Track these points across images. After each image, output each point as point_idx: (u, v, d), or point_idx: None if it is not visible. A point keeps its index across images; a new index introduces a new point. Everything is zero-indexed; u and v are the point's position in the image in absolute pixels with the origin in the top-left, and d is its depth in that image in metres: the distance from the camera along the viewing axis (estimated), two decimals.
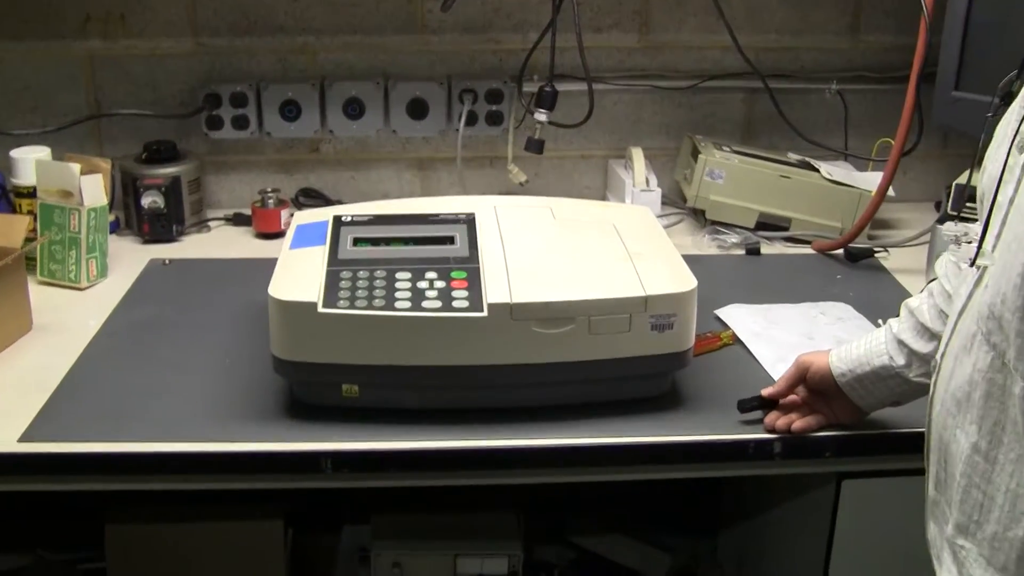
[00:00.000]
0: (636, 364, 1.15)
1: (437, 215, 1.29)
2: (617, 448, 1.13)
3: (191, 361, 1.29)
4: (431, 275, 1.16)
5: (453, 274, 1.16)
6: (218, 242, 1.70)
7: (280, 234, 1.68)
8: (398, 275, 1.16)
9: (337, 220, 1.28)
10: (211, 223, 1.76)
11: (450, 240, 1.24)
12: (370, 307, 1.11)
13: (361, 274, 1.16)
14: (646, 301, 1.13)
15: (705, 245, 1.70)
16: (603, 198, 1.87)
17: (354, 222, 1.28)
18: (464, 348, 1.12)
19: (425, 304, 1.12)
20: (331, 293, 1.12)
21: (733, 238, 1.69)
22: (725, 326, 1.40)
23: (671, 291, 1.14)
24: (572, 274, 1.17)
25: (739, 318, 1.41)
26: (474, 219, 1.27)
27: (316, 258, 1.20)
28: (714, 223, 1.73)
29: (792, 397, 1.16)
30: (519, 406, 1.17)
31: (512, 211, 1.32)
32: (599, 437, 1.14)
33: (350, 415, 1.15)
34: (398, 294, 1.13)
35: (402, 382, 1.14)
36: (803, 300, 1.47)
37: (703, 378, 1.26)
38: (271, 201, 1.71)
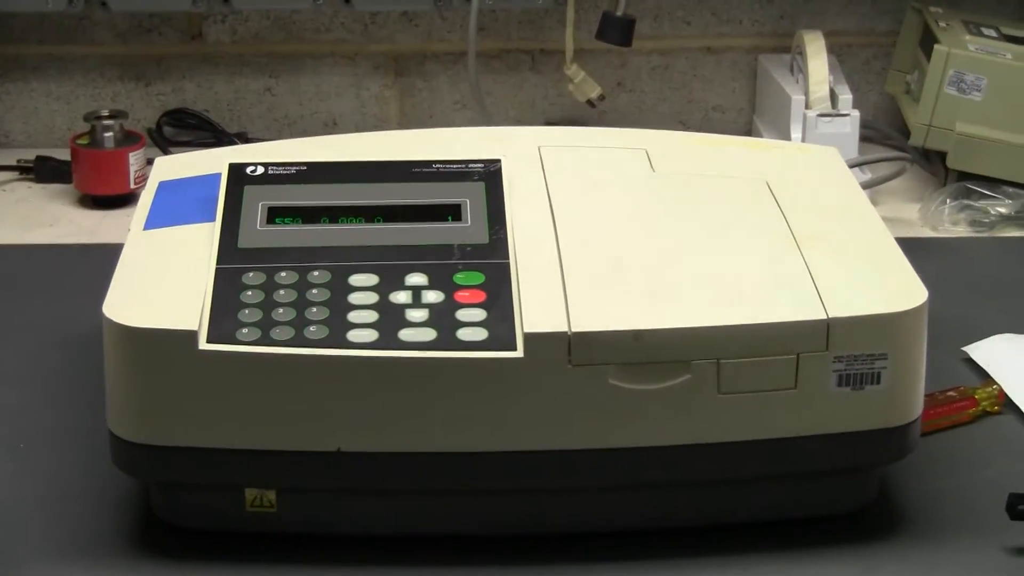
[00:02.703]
0: (809, 452, 1.13)
1: (429, 164, 1.27)
2: None
3: None
4: (416, 279, 1.15)
5: (459, 277, 1.15)
6: (3, 213, 1.73)
7: (127, 198, 1.73)
8: (354, 279, 1.14)
9: (237, 173, 1.26)
10: None
11: (453, 213, 1.22)
12: (300, 341, 1.09)
13: (282, 278, 1.14)
14: (828, 330, 1.11)
15: (945, 220, 1.70)
16: (747, 130, 1.87)
17: (269, 177, 1.26)
18: (480, 420, 1.10)
19: (404, 335, 1.10)
20: (224, 314, 1.10)
21: (1000, 206, 1.71)
22: (985, 377, 1.38)
23: (878, 310, 1.12)
24: (685, 279, 1.15)
25: (1012, 363, 1.40)
26: (499, 172, 1.26)
27: (196, 247, 1.19)
28: (964, 177, 1.74)
29: None
30: (584, 532, 1.15)
31: (571, 157, 1.31)
32: None
33: (261, 548, 1.13)
34: (353, 316, 1.11)
35: (360, 485, 1.12)
36: None
37: (940, 478, 1.24)
38: (110, 135, 1.73)
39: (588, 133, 1.41)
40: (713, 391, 1.10)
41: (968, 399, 1.34)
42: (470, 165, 1.27)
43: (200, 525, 1.15)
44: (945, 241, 1.64)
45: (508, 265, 1.15)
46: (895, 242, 1.22)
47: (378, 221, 1.22)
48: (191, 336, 1.09)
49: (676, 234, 1.21)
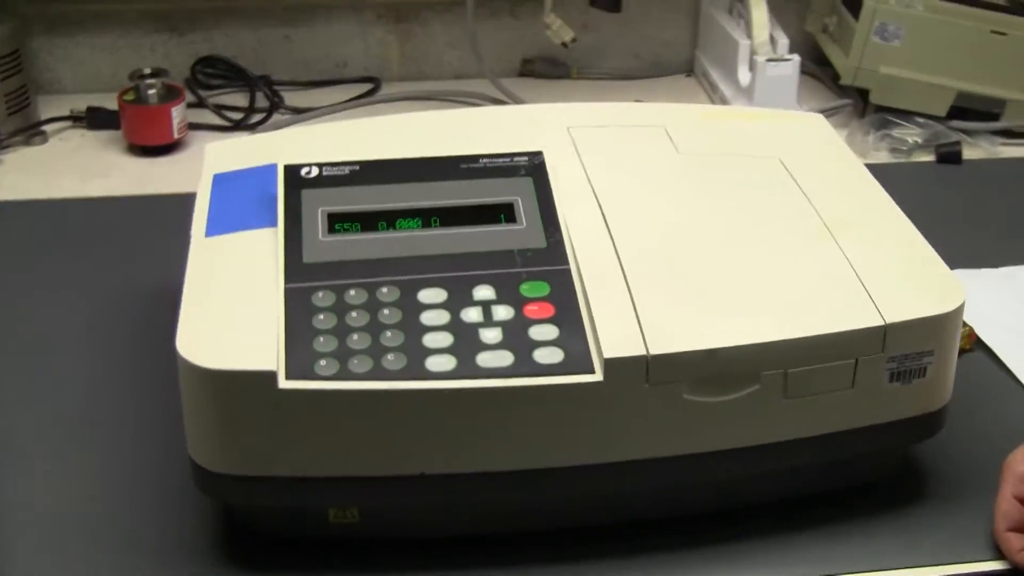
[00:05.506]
0: (860, 440, 1.00)
1: (475, 159, 1.08)
2: None
3: (18, 432, 1.10)
4: (484, 292, 0.96)
5: (525, 288, 0.97)
6: (62, 162, 1.59)
7: (171, 147, 1.62)
8: (423, 296, 0.96)
9: (293, 176, 1.06)
10: (47, 127, 1.67)
11: (506, 212, 1.03)
12: (378, 372, 0.90)
13: (352, 297, 0.95)
14: (884, 335, 0.97)
15: (870, 148, 1.61)
16: (690, 61, 1.79)
17: (324, 180, 1.06)
18: (557, 438, 0.94)
19: (482, 360, 0.92)
20: (300, 345, 0.92)
21: (915, 135, 1.63)
22: None
23: (929, 313, 0.98)
24: (746, 288, 1.00)
25: (977, 302, 1.25)
26: (543, 166, 1.08)
27: (260, 260, 0.99)
28: (881, 110, 1.69)
29: None
30: (651, 520, 1.01)
31: (600, 140, 1.14)
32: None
33: (345, 554, 0.97)
34: (429, 339, 0.93)
35: (443, 503, 0.96)
36: None
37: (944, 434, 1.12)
38: (153, 91, 1.62)
39: (608, 109, 1.22)
40: (779, 397, 0.97)
41: None
42: (515, 159, 1.08)
43: (283, 535, 0.99)
44: (875, 167, 1.45)
45: (570, 272, 0.99)
46: (915, 227, 1.07)
47: (435, 224, 1.03)
48: (270, 376, 0.91)
49: (720, 229, 1.04)
